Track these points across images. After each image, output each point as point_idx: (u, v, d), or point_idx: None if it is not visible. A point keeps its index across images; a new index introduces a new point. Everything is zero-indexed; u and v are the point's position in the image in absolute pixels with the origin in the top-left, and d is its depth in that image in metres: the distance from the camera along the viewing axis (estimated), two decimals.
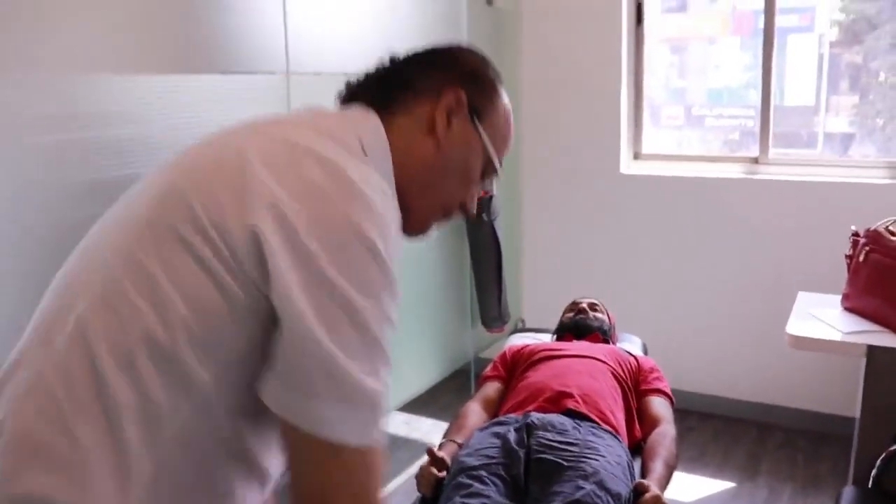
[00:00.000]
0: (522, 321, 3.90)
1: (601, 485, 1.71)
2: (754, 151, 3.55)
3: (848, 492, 2.20)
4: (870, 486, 2.25)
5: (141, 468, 0.83)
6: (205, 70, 2.02)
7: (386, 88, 1.06)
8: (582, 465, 1.77)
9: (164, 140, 1.91)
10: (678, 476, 3.13)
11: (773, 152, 3.52)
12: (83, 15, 1.73)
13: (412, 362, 3.43)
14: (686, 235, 3.61)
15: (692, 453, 3.36)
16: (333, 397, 0.82)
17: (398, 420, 3.55)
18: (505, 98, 1.13)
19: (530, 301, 4.01)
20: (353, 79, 1.11)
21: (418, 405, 3.60)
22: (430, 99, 1.05)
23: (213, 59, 2.06)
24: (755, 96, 3.52)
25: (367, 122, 1.02)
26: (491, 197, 3.32)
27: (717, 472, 3.20)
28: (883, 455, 2.22)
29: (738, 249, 3.51)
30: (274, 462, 0.96)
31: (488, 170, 1.10)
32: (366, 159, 0.95)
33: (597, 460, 1.79)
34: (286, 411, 0.84)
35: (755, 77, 3.51)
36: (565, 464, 1.79)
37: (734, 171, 3.56)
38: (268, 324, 0.85)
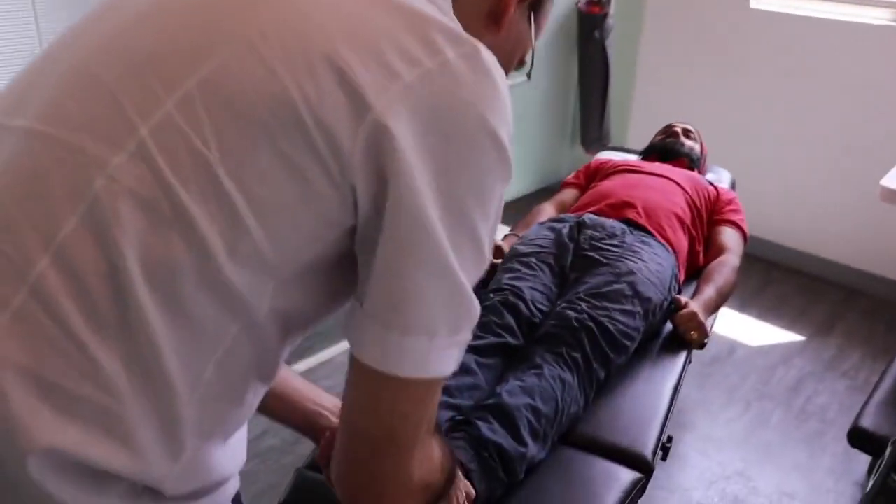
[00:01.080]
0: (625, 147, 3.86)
1: (632, 285, 1.75)
2: None
3: None
4: None
5: (187, 414, 0.67)
6: None
7: None
8: (619, 264, 1.82)
9: None
10: (748, 322, 3.15)
11: None
12: None
13: None
14: (806, 79, 3.39)
15: (769, 303, 3.34)
16: (447, 327, 0.70)
17: None
18: None
19: (636, 127, 3.92)
20: None
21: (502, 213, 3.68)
22: None
23: None
24: None
25: None
26: (605, 14, 3.20)
27: (791, 324, 3.18)
28: None
29: (857, 101, 3.28)
30: None
31: (519, 62, 0.94)
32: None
33: (635, 263, 1.82)
34: (386, 361, 0.69)
35: None
36: (604, 261, 1.85)
37: (876, 17, 3.27)
38: (346, 239, 0.70)
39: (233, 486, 0.79)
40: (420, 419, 0.73)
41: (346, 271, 0.73)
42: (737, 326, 3.14)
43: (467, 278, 0.69)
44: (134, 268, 0.62)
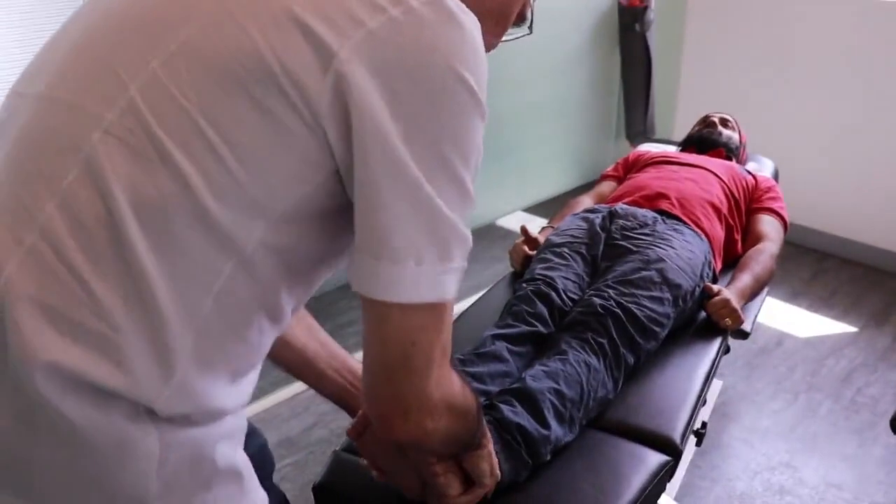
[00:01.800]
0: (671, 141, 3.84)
1: (661, 272, 1.76)
2: None
3: None
4: None
5: (181, 343, 0.74)
6: None
7: None
8: (648, 251, 1.83)
9: None
10: (798, 313, 3.11)
11: None
12: None
13: (547, 166, 3.51)
14: (853, 66, 3.33)
15: (821, 293, 3.29)
16: (435, 253, 0.75)
17: (520, 218, 3.64)
18: None
19: (682, 119, 3.89)
20: None
21: (544, 208, 3.69)
22: None
23: None
24: None
25: None
26: (645, 7, 3.20)
27: (843, 315, 3.13)
28: None
29: None
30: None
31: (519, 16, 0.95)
32: None
33: (664, 250, 1.83)
34: (379, 290, 0.75)
35: None
36: (634, 249, 1.86)
37: None
38: (334, 182, 0.76)
39: (234, 425, 0.85)
40: (430, 345, 0.78)
41: (346, 215, 0.78)
42: (786, 318, 3.10)
43: (450, 208, 0.75)
44: (126, 210, 0.71)
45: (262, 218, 0.75)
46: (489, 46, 0.89)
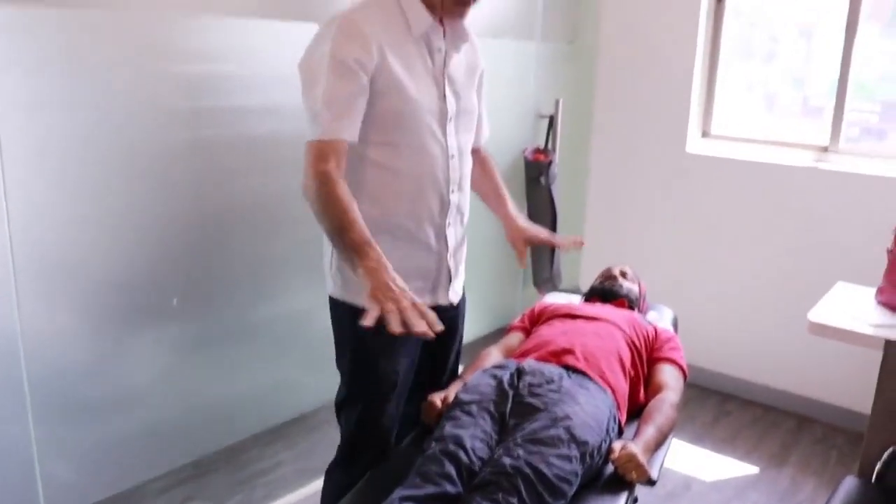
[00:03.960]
0: (579, 288, 3.97)
1: (568, 430, 1.79)
2: (825, 140, 3.48)
3: (848, 482, 2.22)
4: (873, 480, 2.26)
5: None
6: (300, 18, 2.26)
7: None
8: (555, 409, 1.86)
9: (256, 79, 2.21)
10: (704, 455, 3.19)
11: (846, 143, 3.44)
12: None
13: None
14: (743, 219, 3.60)
15: (724, 435, 3.39)
16: (308, 118, 1.73)
17: None
18: None
19: (587, 268, 4.07)
20: None
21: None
22: None
23: (307, 9, 2.31)
24: (891, 90, 3.39)
25: None
26: (550, 162, 3.40)
27: (745, 456, 3.23)
28: (890, 450, 2.23)
29: (792, 237, 3.48)
30: None
31: None
32: None
33: (571, 407, 1.87)
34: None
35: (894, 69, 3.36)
36: (541, 406, 1.89)
37: (801, 159, 3.51)
38: None
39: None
40: (310, 157, 1.72)
41: None
42: (692, 461, 3.18)
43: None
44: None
45: None
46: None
